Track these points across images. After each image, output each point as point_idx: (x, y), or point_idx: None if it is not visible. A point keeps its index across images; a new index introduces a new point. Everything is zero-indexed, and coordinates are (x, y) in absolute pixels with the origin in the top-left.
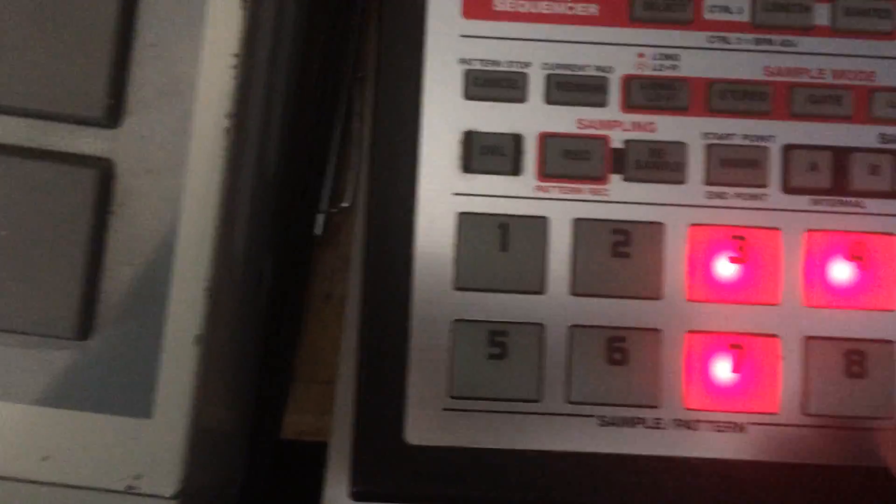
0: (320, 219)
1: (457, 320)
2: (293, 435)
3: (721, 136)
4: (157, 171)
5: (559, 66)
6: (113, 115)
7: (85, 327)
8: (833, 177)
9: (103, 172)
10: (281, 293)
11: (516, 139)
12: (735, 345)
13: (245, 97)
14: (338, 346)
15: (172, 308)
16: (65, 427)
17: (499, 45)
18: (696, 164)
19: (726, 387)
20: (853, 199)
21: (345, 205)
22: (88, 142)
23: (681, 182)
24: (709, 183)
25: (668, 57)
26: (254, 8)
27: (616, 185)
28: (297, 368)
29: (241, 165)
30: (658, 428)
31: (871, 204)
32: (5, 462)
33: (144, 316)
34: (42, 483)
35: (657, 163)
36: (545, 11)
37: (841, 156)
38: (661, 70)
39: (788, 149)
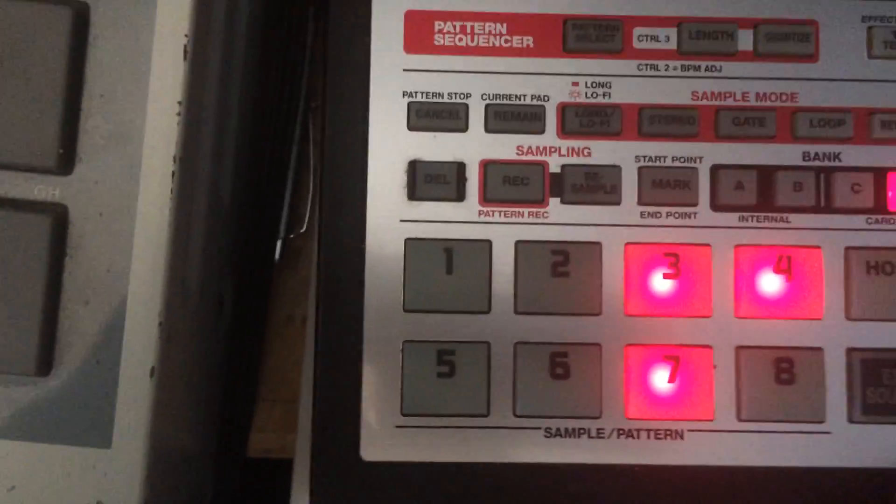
0: (279, 244)
1: (407, 341)
2: (259, 453)
3: (653, 159)
4: (109, 214)
5: (498, 96)
6: (65, 162)
7: (44, 364)
8: (759, 194)
9: (58, 218)
10: (242, 317)
11: (459, 167)
12: (671, 356)
13: (193, 139)
14: (299, 366)
15: (127, 343)
16: (29, 458)
17: (440, 78)
18: (629, 186)
19: (664, 396)
20: (778, 215)
21: (301, 230)
22: (42, 189)
23: (616, 203)
24: (642, 203)
25: (600, 85)
26: (197, 57)
27: (555, 208)
28: (261, 389)
29: (192, 202)
30: (601, 437)
31: (796, 219)
32: None
33: (101, 352)
34: None
35: (593, 185)
36: (483, 45)
37: (766, 174)
38: (594, 97)
39: (716, 169)
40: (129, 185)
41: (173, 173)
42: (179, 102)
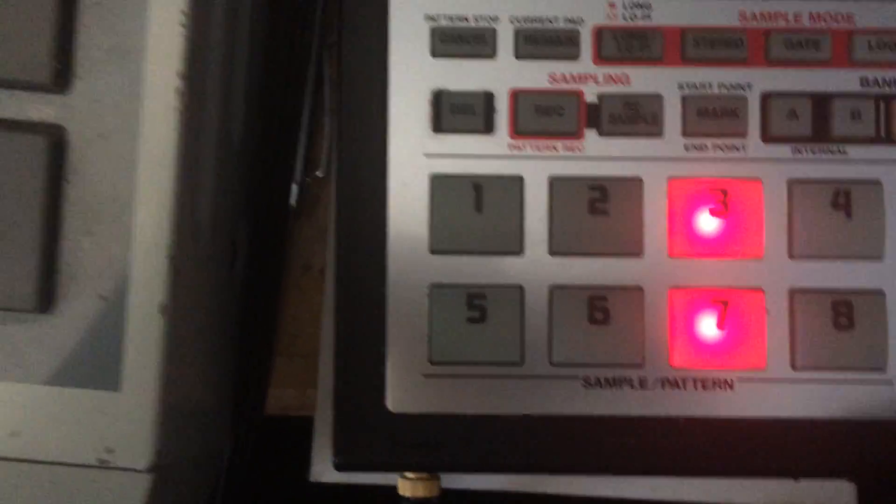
0: (295, 189)
1: (434, 284)
2: (277, 410)
3: (697, 86)
4: (111, 135)
5: (528, 19)
6: (61, 79)
7: (46, 300)
8: (813, 124)
9: (55, 139)
10: (257, 265)
11: (487, 97)
12: (719, 300)
13: (199, 57)
14: (318, 318)
15: (135, 277)
16: (32, 402)
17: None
18: (672, 117)
19: (712, 343)
20: (835, 147)
21: (319, 174)
22: (37, 108)
23: (658, 135)
24: (687, 135)
25: (639, 6)
26: None
27: (591, 141)
28: (278, 342)
29: (200, 129)
30: (644, 388)
31: (854, 151)
32: None
33: (107, 286)
34: (11, 459)
35: (633, 116)
36: None
37: (821, 102)
38: (633, 20)
39: (767, 96)
40: (131, 104)
41: (178, 91)
42: (183, 13)
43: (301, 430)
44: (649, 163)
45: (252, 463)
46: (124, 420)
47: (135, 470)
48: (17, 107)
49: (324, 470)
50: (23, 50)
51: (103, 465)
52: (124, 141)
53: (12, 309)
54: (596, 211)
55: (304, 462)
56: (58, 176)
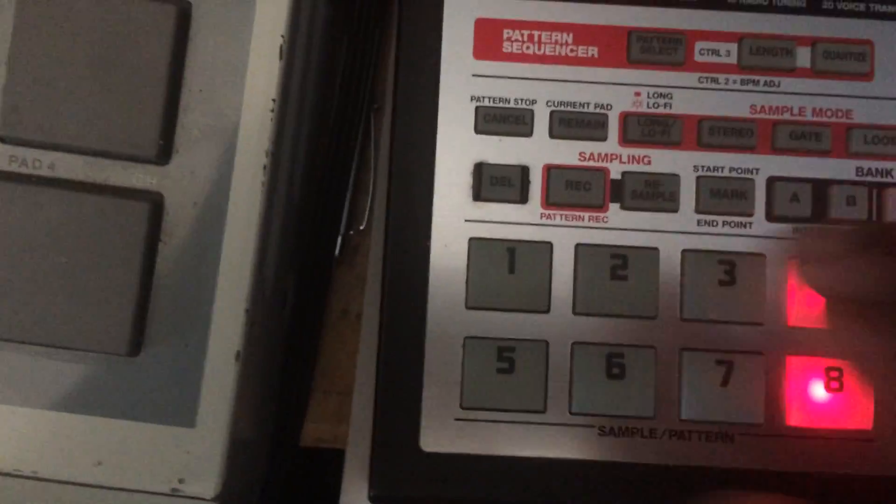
0: (339, 240)
1: (468, 337)
2: (311, 442)
3: (711, 169)
4: (203, 203)
5: (563, 103)
6: (163, 153)
7: (136, 344)
8: (813, 206)
9: (154, 205)
10: (302, 310)
11: (523, 170)
12: (723, 361)
13: (281, 136)
14: (353, 359)
15: (215, 327)
16: (116, 435)
17: (507, 84)
18: (687, 194)
19: (717, 400)
20: (832, 228)
21: (361, 227)
22: (141, 177)
23: (674, 210)
24: (700, 211)
25: (662, 95)
26: (289, 56)
27: (615, 213)
28: (315, 380)
29: (274, 196)
30: (653, 437)
31: None
32: (62, 467)
33: (190, 335)
34: (95, 486)
35: (652, 193)
36: (549, 53)
37: (820, 187)
38: (655, 108)
39: (772, 180)
40: (222, 177)
41: (265, 167)
42: (274, 100)
43: (332, 462)
44: (666, 235)
45: (285, 491)
46: (196, 454)
47: (202, 499)
48: (124, 175)
49: (354, 500)
50: (133, 126)
51: (175, 494)
52: (214, 208)
53: (106, 352)
54: (616, 276)
55: (335, 492)
56: (155, 236)
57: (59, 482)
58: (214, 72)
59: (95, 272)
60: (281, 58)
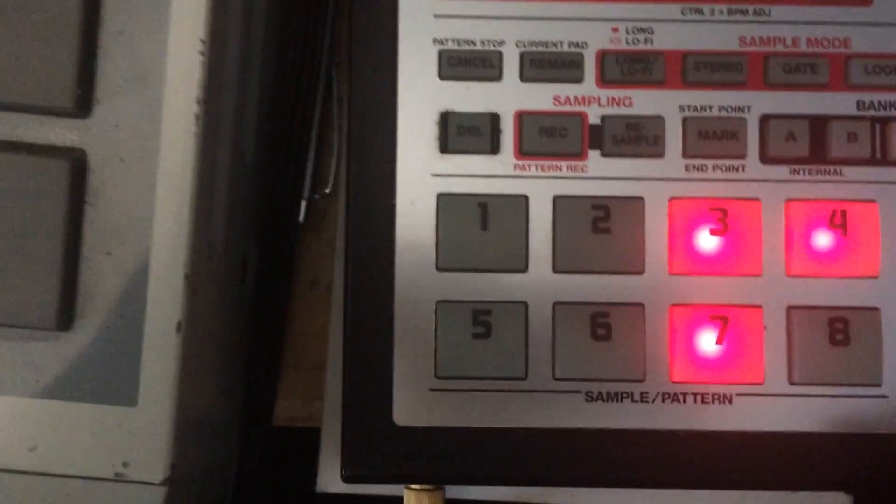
0: (303, 206)
1: (440, 301)
2: (284, 421)
3: (698, 109)
4: (130, 159)
5: (533, 43)
6: (83, 104)
7: (66, 318)
8: (811, 146)
9: (76, 162)
10: (266, 280)
11: (493, 118)
12: (718, 317)
13: (216, 83)
14: (325, 332)
15: (152, 296)
16: (50, 417)
17: (472, 24)
18: (673, 138)
19: (712, 359)
20: (832, 168)
21: (327, 191)
22: (60, 133)
23: (659, 156)
24: (687, 156)
25: (642, 30)
26: None
27: (594, 161)
28: (285, 355)
29: (215, 152)
30: (644, 402)
31: (850, 171)
32: None
33: (125, 305)
34: (30, 473)
35: (635, 137)
36: None
37: (818, 124)
38: (635, 44)
39: (765, 119)
40: (150, 129)
41: (196, 116)
42: (203, 41)
43: (308, 441)
44: (651, 183)
45: (260, 473)
46: (140, 435)
47: (150, 483)
48: (39, 131)
49: (330, 480)
50: (46, 76)
51: (119, 479)
52: (143, 164)
53: (33, 327)
54: (599, 230)
55: (311, 472)
56: (79, 198)
57: None
58: (135, 11)
59: (15, 240)
60: None
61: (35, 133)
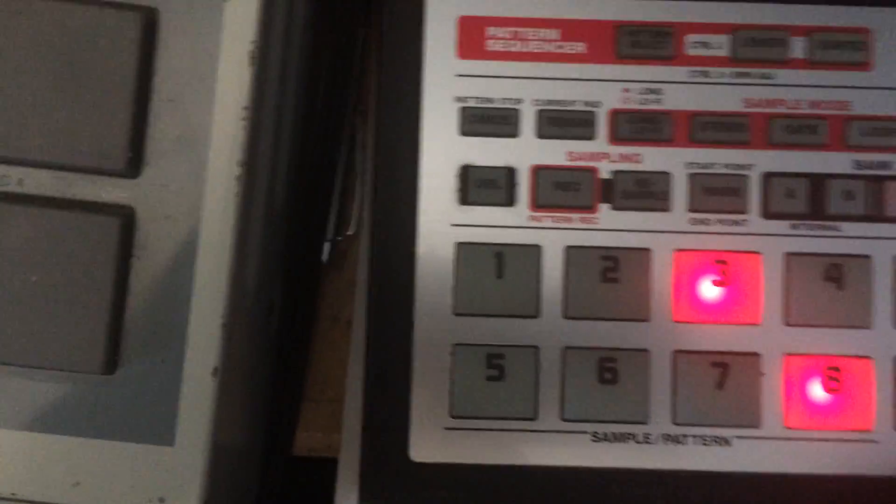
0: (327, 246)
1: (457, 344)
2: (303, 451)
3: (703, 166)
4: (175, 216)
5: (549, 101)
6: (133, 165)
7: (111, 363)
8: (810, 202)
9: (125, 219)
10: (291, 318)
11: (510, 172)
12: (719, 363)
13: (255, 144)
14: (345, 366)
15: (191, 343)
16: (93, 455)
17: (492, 83)
18: (680, 193)
19: (712, 403)
20: (830, 224)
21: (350, 233)
22: (111, 191)
23: (666, 210)
24: (692, 210)
25: (652, 91)
26: (262, 63)
27: (605, 214)
28: (306, 388)
29: (251, 206)
30: (648, 443)
31: (847, 227)
32: (40, 488)
33: (165, 351)
34: None
35: (643, 192)
36: (535, 50)
37: (817, 182)
38: (645, 104)
39: (767, 176)
40: (194, 189)
41: (238, 177)
42: (245, 108)
43: (326, 471)
44: (657, 235)
45: (278, 501)
46: (177, 472)
47: None
48: (93, 190)
49: None
50: (101, 139)
51: None
52: (187, 221)
53: (81, 371)
54: (607, 279)
55: (328, 501)
56: (127, 252)
57: (38, 503)
58: (184, 80)
59: (67, 290)
60: (252, 64)
61: (89, 191)
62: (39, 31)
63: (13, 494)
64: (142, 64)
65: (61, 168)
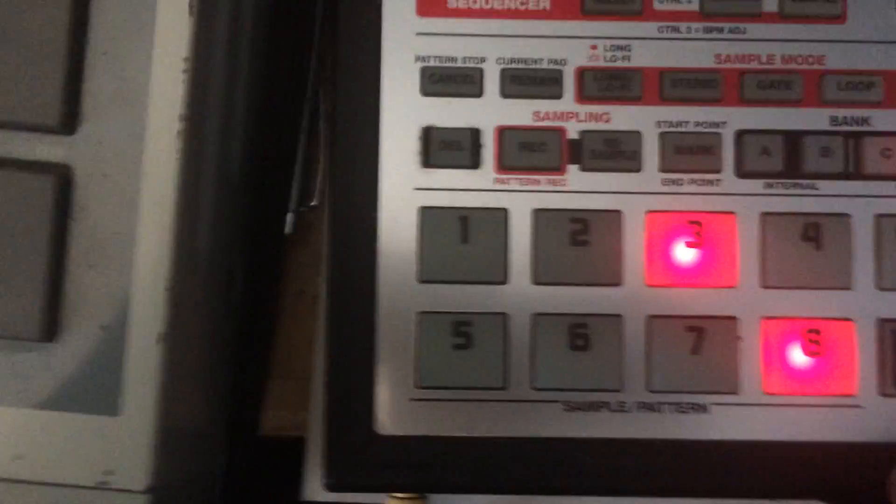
0: (290, 218)
1: (421, 312)
2: (271, 430)
3: (674, 124)
4: (114, 175)
5: (514, 60)
6: (69, 121)
7: (50, 329)
8: (785, 160)
9: (61, 178)
10: (254, 291)
11: (474, 133)
12: (694, 328)
13: (200, 100)
14: (312, 342)
15: (135, 308)
16: (35, 426)
17: (454, 42)
18: (651, 153)
19: (687, 369)
20: (806, 182)
21: (314, 204)
22: (46, 149)
23: (637, 170)
24: (664, 170)
25: (620, 48)
26: (204, 13)
27: (573, 175)
28: (272, 365)
29: (200, 167)
30: (622, 411)
31: (824, 186)
32: None
33: (108, 317)
34: (14, 481)
35: (613, 152)
36: (498, 7)
37: (792, 139)
38: (613, 61)
39: (741, 134)
40: (134, 146)
41: (179, 133)
42: (185, 59)
43: (294, 450)
44: (628, 196)
45: (246, 482)
46: (123, 444)
47: (132, 491)
48: (26, 147)
49: (315, 489)
50: (33, 94)
51: (102, 487)
52: (127, 180)
53: (18, 338)
54: (577, 242)
55: (297, 481)
56: (64, 213)
57: None
58: (120, 32)
59: (1, 253)
60: (191, 14)
61: (22, 149)
62: None
63: None
64: (75, 14)
65: None
